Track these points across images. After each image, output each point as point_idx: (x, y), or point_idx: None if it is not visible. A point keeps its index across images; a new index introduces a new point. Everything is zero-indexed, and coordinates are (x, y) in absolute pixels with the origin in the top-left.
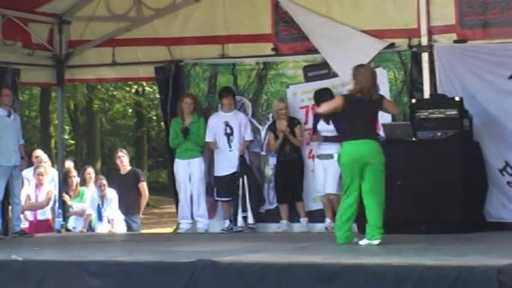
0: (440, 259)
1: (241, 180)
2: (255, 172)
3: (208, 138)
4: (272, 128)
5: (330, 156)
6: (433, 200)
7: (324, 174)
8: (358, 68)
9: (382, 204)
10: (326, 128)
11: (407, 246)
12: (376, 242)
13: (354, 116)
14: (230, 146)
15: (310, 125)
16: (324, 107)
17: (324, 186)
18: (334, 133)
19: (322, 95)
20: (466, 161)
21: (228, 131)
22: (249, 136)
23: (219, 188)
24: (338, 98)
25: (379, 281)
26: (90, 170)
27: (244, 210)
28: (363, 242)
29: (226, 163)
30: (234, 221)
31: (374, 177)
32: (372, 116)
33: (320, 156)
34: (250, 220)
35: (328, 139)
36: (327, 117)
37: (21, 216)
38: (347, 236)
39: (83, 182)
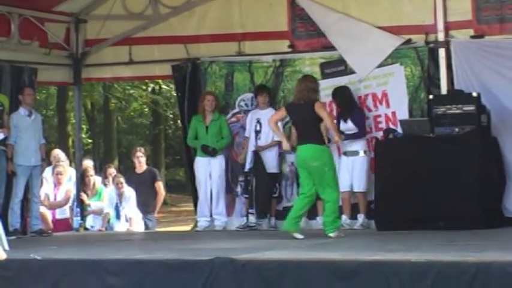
0: (459, 255)
1: (251, 176)
2: (266, 169)
3: (246, 134)
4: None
5: (356, 153)
6: (451, 196)
7: (350, 172)
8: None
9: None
10: (346, 128)
11: (425, 242)
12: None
13: (295, 122)
14: (256, 143)
15: None
16: (271, 120)
17: (350, 184)
18: (355, 130)
19: (340, 93)
20: (483, 157)
21: (258, 128)
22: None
23: (244, 184)
24: (281, 109)
25: (397, 277)
26: (111, 170)
27: (252, 207)
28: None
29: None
30: (246, 217)
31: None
32: (309, 121)
33: (347, 153)
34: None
35: (348, 137)
36: (344, 116)
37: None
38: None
39: (105, 181)
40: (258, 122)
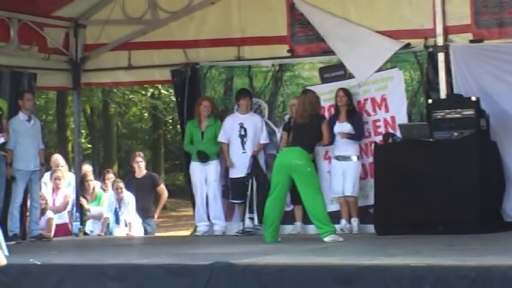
0: (459, 259)
1: (250, 181)
2: (265, 174)
3: (221, 139)
4: (286, 128)
5: (348, 158)
6: (451, 200)
7: (342, 176)
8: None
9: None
10: (342, 129)
11: (425, 246)
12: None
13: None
14: (243, 148)
15: None
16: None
17: (342, 188)
18: (352, 132)
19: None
20: (483, 161)
21: (242, 132)
22: (264, 139)
23: (233, 190)
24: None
25: (397, 282)
26: (110, 175)
27: (252, 211)
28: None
29: (239, 165)
30: (243, 222)
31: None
32: (311, 139)
33: (338, 158)
34: (255, 222)
35: (351, 137)
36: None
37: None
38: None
39: (103, 186)
40: (242, 126)
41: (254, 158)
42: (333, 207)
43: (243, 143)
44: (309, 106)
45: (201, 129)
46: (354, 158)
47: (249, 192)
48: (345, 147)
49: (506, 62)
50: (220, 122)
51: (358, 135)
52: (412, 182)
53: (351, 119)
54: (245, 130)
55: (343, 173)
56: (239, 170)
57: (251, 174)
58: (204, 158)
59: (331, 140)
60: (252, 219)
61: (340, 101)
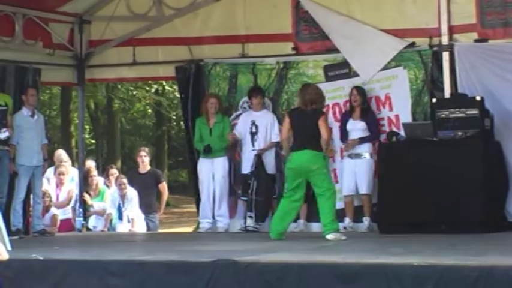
0: (461, 259)
1: (252, 180)
2: (268, 174)
3: (235, 131)
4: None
5: (361, 156)
6: (454, 199)
7: (354, 174)
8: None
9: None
10: (357, 127)
11: (427, 246)
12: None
13: (296, 128)
14: (253, 145)
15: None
16: (283, 135)
17: (356, 186)
18: (365, 131)
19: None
20: (486, 161)
21: (253, 130)
22: (276, 137)
23: (242, 187)
24: (285, 119)
25: (399, 281)
26: (113, 171)
27: (251, 210)
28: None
29: (248, 162)
30: (244, 219)
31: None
32: (311, 129)
33: (351, 155)
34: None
35: (363, 140)
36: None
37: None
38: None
39: (106, 182)
40: (254, 124)
41: (258, 158)
42: (338, 204)
43: (253, 141)
44: (316, 97)
45: (209, 126)
46: (367, 156)
47: (250, 191)
48: (357, 145)
49: (510, 62)
50: (227, 118)
51: (373, 133)
52: (416, 181)
53: (365, 118)
54: (256, 127)
55: (356, 170)
56: (247, 166)
57: (253, 173)
58: (205, 150)
59: (343, 137)
60: (251, 217)
61: (355, 100)
